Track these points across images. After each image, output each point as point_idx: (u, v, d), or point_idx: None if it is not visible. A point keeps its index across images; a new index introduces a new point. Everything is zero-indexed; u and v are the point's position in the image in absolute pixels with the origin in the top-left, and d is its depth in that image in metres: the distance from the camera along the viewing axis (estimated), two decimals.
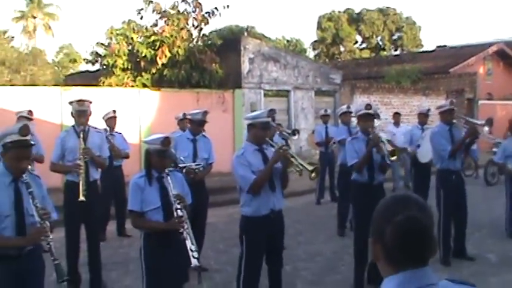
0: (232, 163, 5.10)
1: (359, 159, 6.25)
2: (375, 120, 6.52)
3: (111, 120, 9.26)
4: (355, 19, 45.55)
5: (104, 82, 15.65)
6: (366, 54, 43.92)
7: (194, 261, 4.37)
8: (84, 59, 19.28)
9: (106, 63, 16.16)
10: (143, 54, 15.31)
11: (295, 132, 10.22)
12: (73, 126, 6.39)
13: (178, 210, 4.40)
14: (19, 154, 3.81)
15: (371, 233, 1.79)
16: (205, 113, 7.28)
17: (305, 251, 8.18)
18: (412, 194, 1.88)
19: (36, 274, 3.97)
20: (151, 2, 16.12)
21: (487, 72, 28.75)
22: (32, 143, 3.94)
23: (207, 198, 7.34)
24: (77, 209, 6.12)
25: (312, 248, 8.38)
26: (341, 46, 46.37)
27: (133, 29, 16.12)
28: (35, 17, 46.60)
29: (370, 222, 1.80)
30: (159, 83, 15.52)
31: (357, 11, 46.15)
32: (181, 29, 15.87)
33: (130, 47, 15.87)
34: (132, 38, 15.85)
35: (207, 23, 16.51)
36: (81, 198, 6.00)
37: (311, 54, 46.64)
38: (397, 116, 14.04)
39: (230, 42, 17.24)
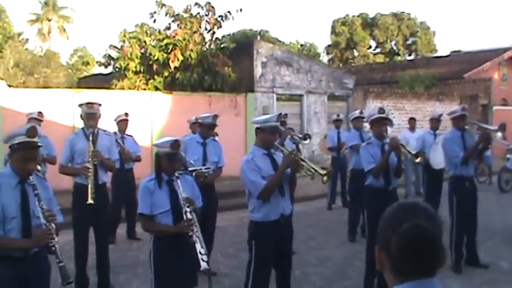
0: (241, 167, 5.03)
1: (377, 164, 6.15)
2: (388, 127, 6.42)
3: (122, 123, 9.27)
4: (369, 24, 45.43)
5: (116, 85, 15.71)
6: (380, 59, 43.76)
7: (204, 264, 4.35)
8: (97, 62, 19.39)
9: (119, 66, 16.25)
10: (156, 58, 15.34)
11: (306, 136, 10.13)
12: (82, 128, 6.41)
13: (188, 214, 4.38)
14: (26, 155, 3.80)
15: (377, 241, 1.73)
16: (215, 116, 7.24)
17: (315, 256, 8.12)
18: (421, 202, 1.81)
19: (42, 276, 3.95)
20: (164, 5, 16.17)
21: (502, 78, 28.47)
22: (40, 144, 3.92)
23: (217, 202, 7.30)
24: (85, 211, 6.11)
25: (323, 253, 8.31)
26: (355, 51, 46.27)
27: (146, 32, 16.17)
28: (49, 20, 46.92)
29: None
30: (171, 86, 15.53)
31: (371, 16, 46.06)
32: (194, 32, 15.88)
33: (143, 50, 15.90)
34: (144, 41, 15.89)
35: (220, 26, 16.53)
36: (90, 201, 6.00)
37: (325, 58, 46.60)
38: (412, 121, 13.98)
39: (243, 46, 17.17)
